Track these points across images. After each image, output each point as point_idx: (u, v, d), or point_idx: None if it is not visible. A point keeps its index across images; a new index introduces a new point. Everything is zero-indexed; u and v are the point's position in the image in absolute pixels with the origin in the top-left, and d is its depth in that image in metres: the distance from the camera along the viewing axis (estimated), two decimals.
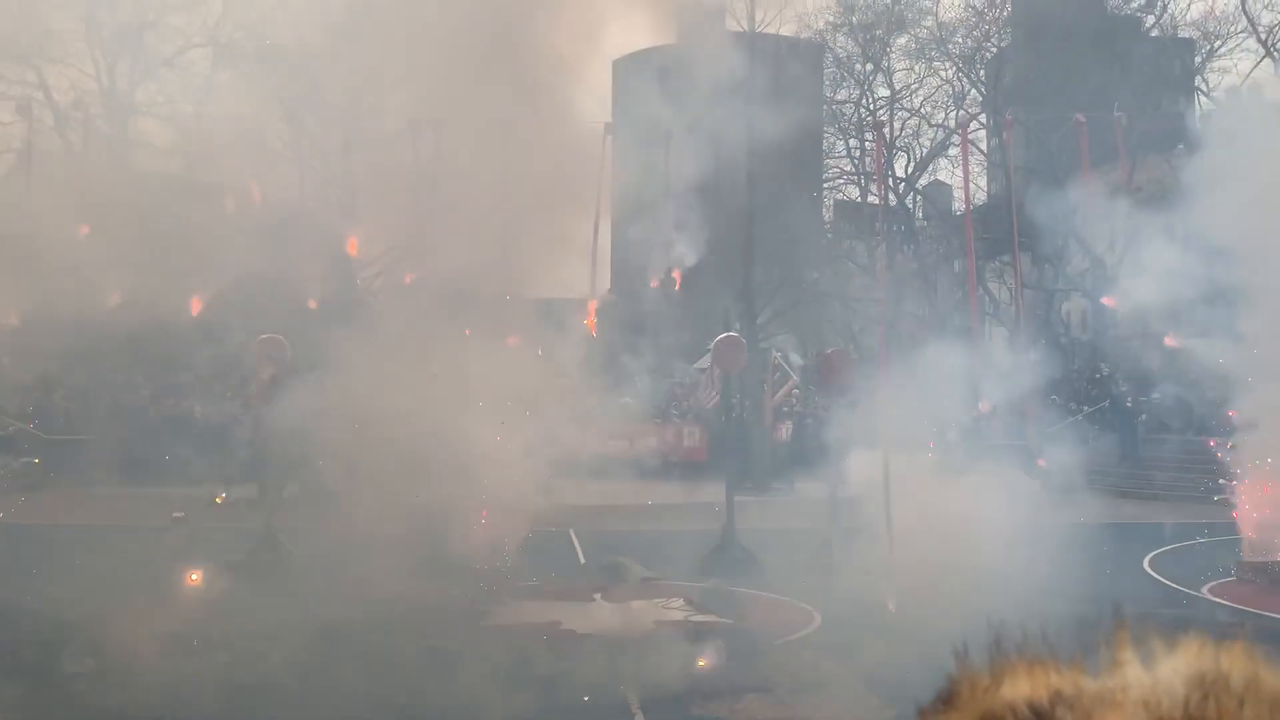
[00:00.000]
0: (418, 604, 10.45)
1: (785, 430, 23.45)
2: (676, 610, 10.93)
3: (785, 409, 23.42)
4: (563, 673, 8.64)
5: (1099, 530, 13.65)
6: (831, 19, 33.11)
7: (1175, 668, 0.56)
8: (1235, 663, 0.56)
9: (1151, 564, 12.98)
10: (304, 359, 12.60)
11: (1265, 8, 31.00)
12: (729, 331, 14.90)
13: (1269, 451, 12.21)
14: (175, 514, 13.85)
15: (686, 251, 19.75)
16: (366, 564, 10.85)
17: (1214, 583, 12.15)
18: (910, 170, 35.90)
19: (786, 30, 31.71)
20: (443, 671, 8.59)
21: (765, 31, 31.12)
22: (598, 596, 11.45)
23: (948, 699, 0.61)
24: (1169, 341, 14.41)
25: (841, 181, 36.86)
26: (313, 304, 16.12)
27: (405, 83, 13.23)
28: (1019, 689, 0.58)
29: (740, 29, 30.02)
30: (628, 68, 28.97)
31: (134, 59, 26.05)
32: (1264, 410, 12.16)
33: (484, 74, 11.99)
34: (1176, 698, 0.54)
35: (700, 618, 10.60)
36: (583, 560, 13.85)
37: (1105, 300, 18.82)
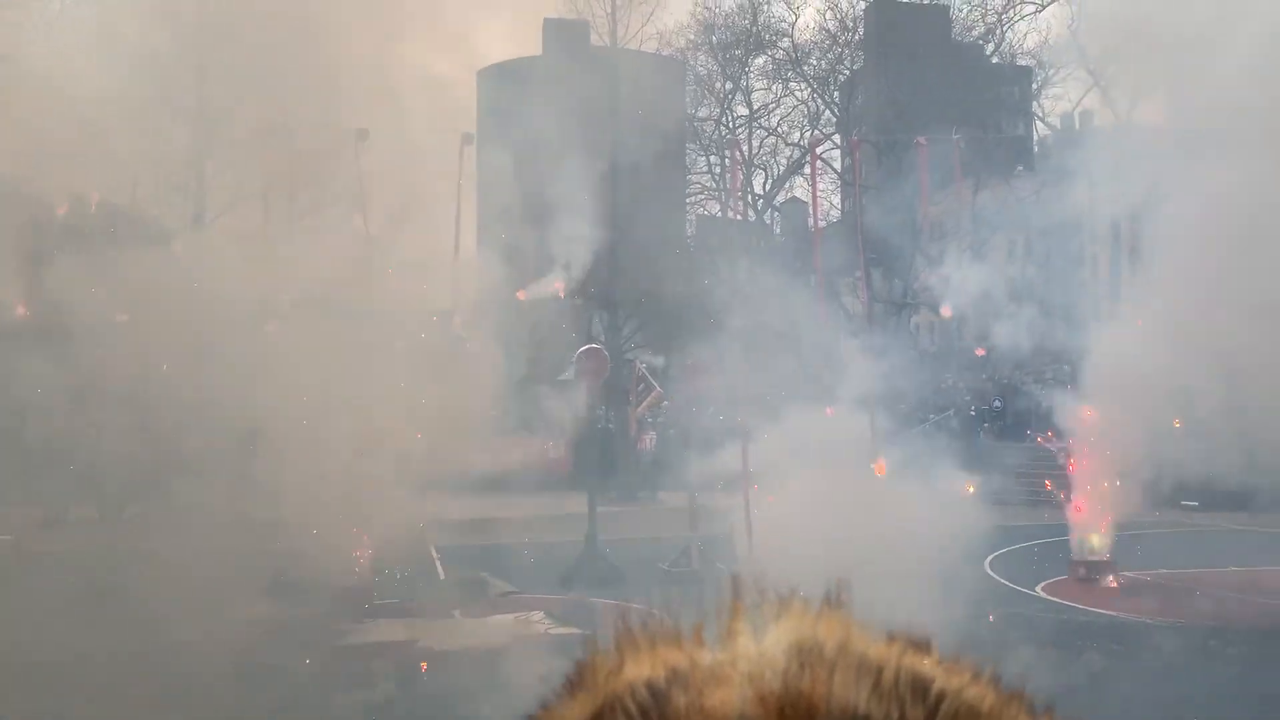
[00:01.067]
0: (260, 624, 10.12)
1: (649, 440, 23.68)
2: (537, 624, 10.89)
3: (650, 419, 23.65)
4: (415, 690, 8.51)
5: (945, 533, 14.24)
6: (692, 38, 33.78)
7: (779, 638, 0.59)
8: (830, 629, 0.60)
9: (991, 565, 13.62)
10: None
11: (1094, 38, 33.10)
12: (592, 343, 14.95)
13: (1090, 454, 12.99)
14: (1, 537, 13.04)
15: (556, 263, 19.73)
16: (212, 584, 10.41)
17: (1048, 581, 12.83)
18: (768, 188, 36.84)
19: (648, 47, 32.18)
20: (285, 693, 8.34)
21: (628, 48, 31.51)
22: (456, 613, 11.31)
23: (574, 684, 0.63)
24: (979, 352, 15.19)
25: (703, 197, 37.55)
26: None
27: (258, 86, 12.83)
28: (641, 669, 0.60)
29: (603, 44, 30.30)
30: (492, 79, 28.83)
31: None
32: (1081, 416, 12.96)
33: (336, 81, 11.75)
34: (777, 668, 0.57)
35: (560, 630, 10.59)
36: (442, 576, 13.64)
37: (943, 311, 19.73)
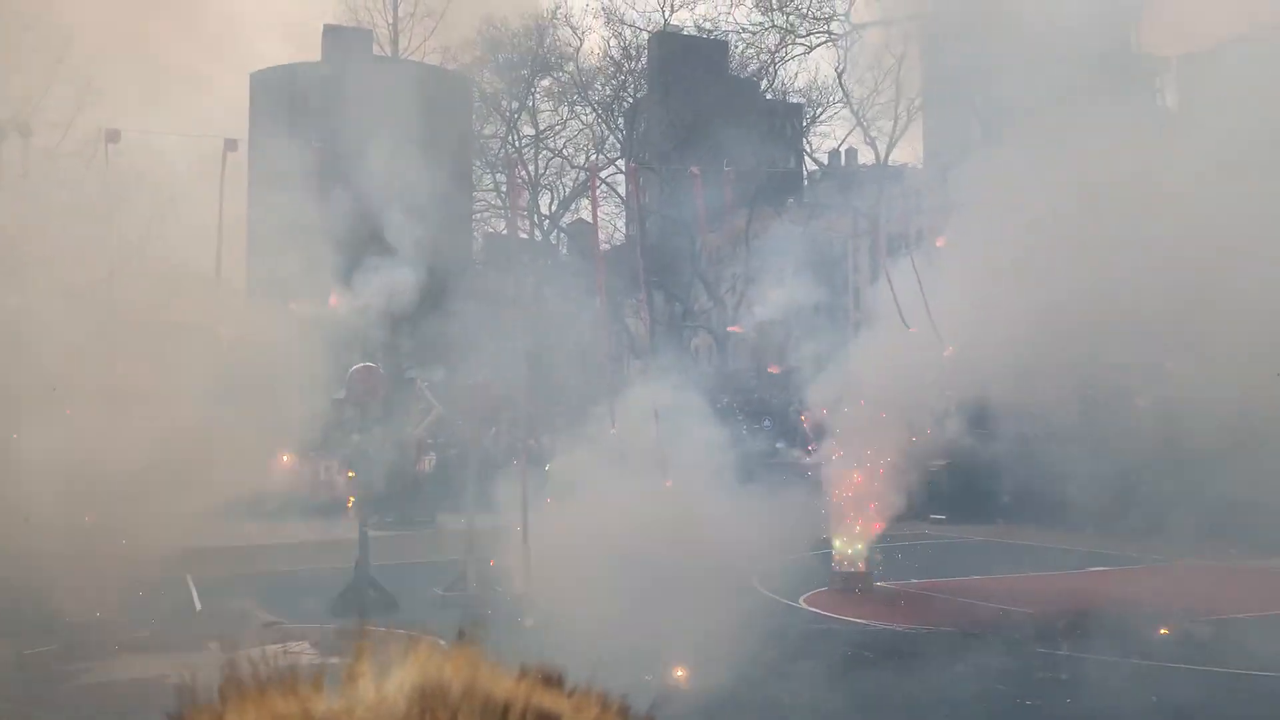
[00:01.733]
0: None
1: (429, 462, 23.17)
2: (302, 655, 10.40)
3: (429, 440, 23.16)
4: None
5: (718, 545, 14.66)
6: (478, 55, 33.59)
7: (402, 682, 0.58)
8: (457, 669, 0.60)
9: (759, 578, 14.16)
10: None
11: (857, 82, 35.35)
12: (366, 361, 14.47)
13: (844, 471, 13.77)
14: None
15: (335, 277, 19.02)
16: None
17: (810, 592, 13.45)
18: (554, 208, 37.09)
19: (432, 60, 31.74)
20: None
21: (411, 59, 31.00)
22: (213, 645, 10.64)
23: None
24: (772, 369, 15.93)
25: (489, 215, 37.35)
26: None
27: None
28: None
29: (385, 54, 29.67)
30: (266, 83, 27.66)
31: None
32: (835, 434, 13.76)
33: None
34: (397, 714, 0.56)
35: (326, 660, 10.16)
36: (199, 606, 12.83)
37: (731, 329, 20.46)
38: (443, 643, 0.63)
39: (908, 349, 12.40)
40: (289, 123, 20.04)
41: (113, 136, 10.81)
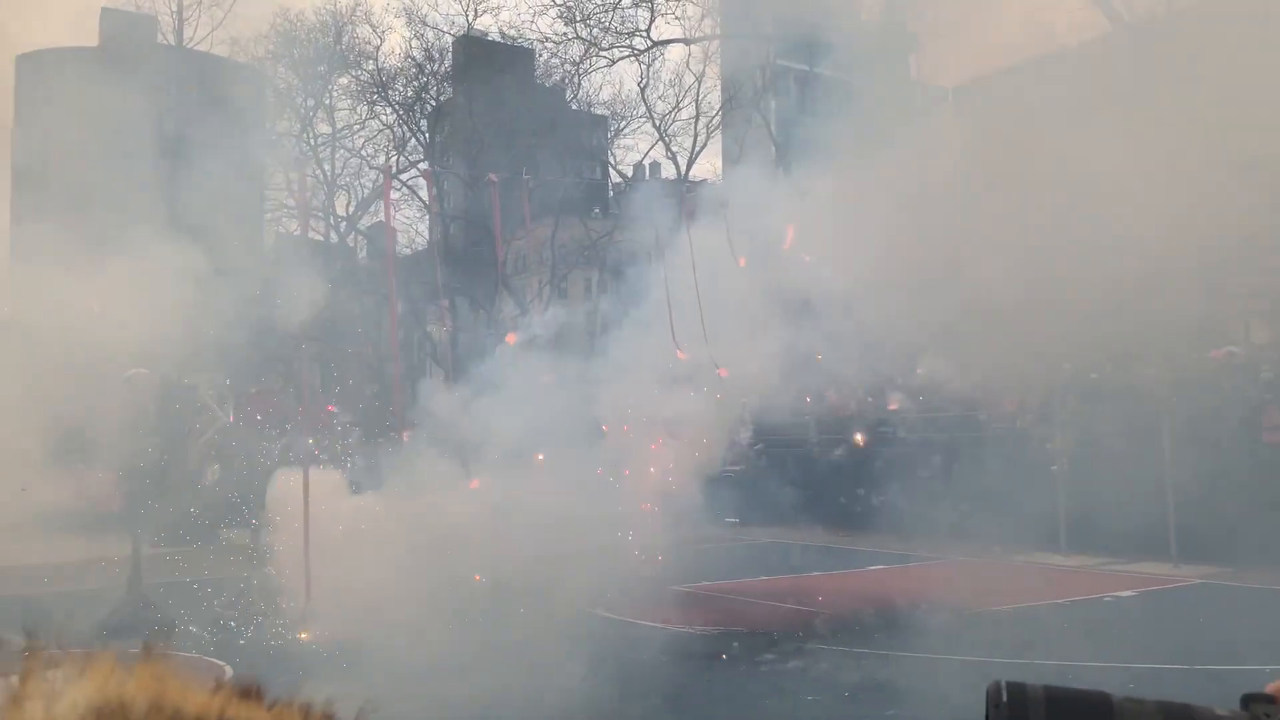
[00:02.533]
0: None
1: (212, 473, 21.97)
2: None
3: (212, 450, 21.96)
4: None
5: (518, 550, 14.57)
6: (271, 48, 32.24)
7: (77, 699, 0.56)
8: (141, 686, 0.57)
9: (556, 582, 14.15)
10: None
11: (659, 98, 36.16)
12: (140, 367, 13.56)
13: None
14: None
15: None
16: None
17: (604, 597, 13.57)
18: (351, 210, 35.99)
19: (220, 51, 30.25)
20: None
21: (196, 49, 29.47)
22: None
23: None
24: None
25: (281, 215, 35.84)
26: None
27: None
28: None
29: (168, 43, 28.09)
30: (36, 65, 25.65)
31: None
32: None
33: None
34: None
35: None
36: None
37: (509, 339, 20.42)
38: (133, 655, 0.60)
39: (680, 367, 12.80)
40: (60, 110, 18.70)
41: None
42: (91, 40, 27.81)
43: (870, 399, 19.50)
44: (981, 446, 17.34)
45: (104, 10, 28.76)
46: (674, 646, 10.95)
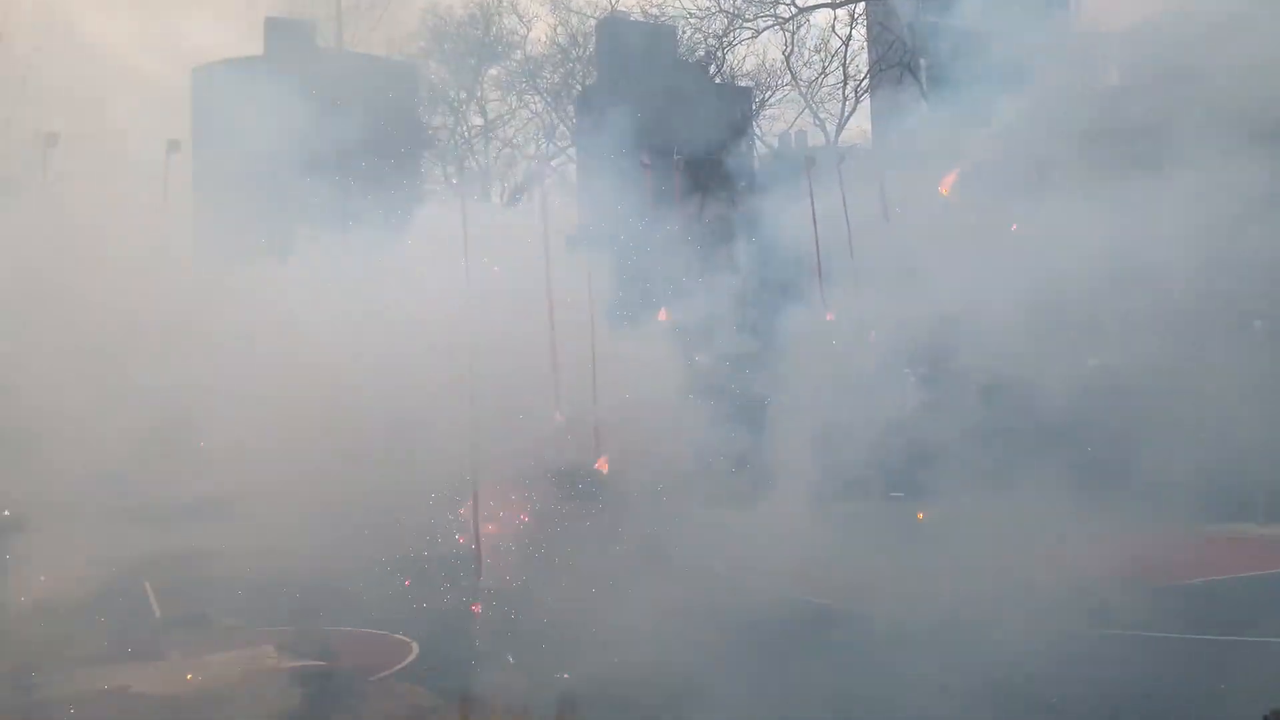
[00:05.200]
0: None
1: None
2: (266, 658, 10.31)
3: None
4: None
5: None
6: (423, 45, 33.19)
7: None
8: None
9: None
10: None
11: (805, 65, 35.51)
12: None
13: None
14: None
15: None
16: None
17: None
18: (505, 199, 36.77)
19: (378, 51, 31.36)
20: None
21: (355, 51, 30.62)
22: (175, 653, 10.51)
23: None
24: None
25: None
26: None
27: None
28: None
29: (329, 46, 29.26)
30: (210, 77, 27.19)
31: None
32: None
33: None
34: None
35: (293, 663, 10.09)
36: (158, 613, 12.65)
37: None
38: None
39: None
40: (233, 119, 19.74)
41: (51, 140, 10.59)
42: (258, 49, 29.33)
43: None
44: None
45: (268, 20, 30.22)
46: None
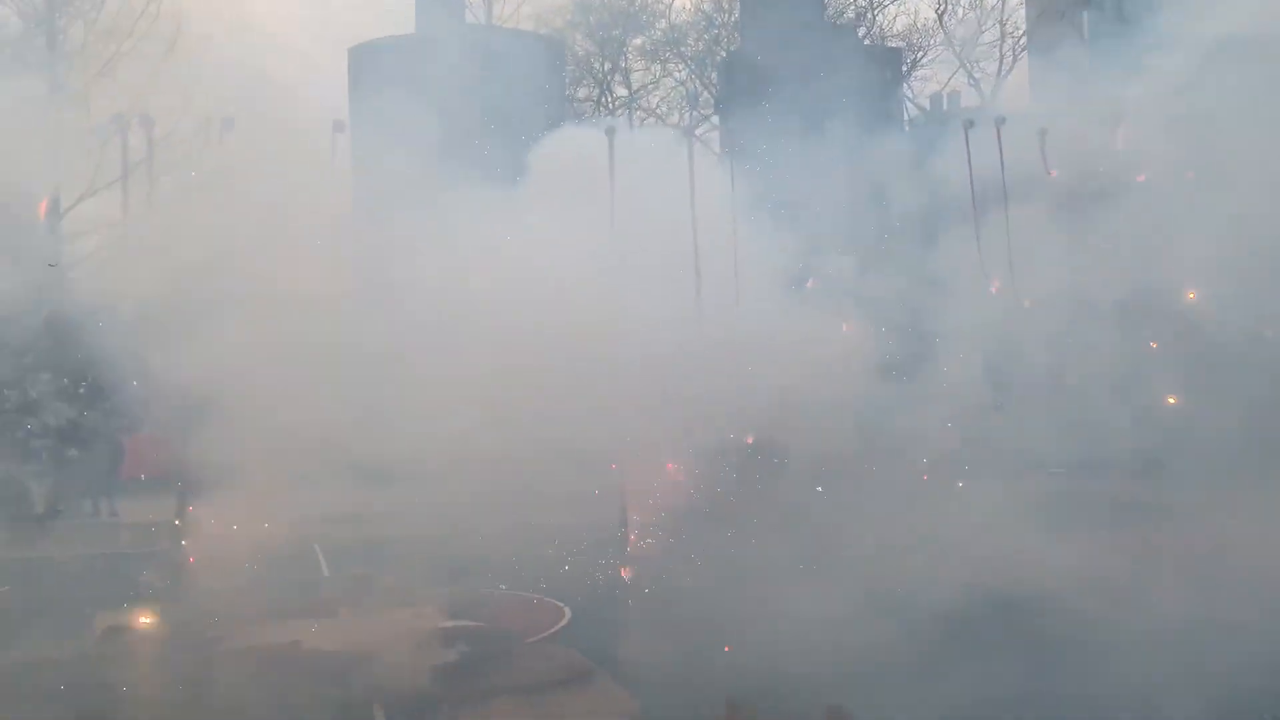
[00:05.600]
0: (136, 632, 9.81)
1: None
2: (428, 618, 10.72)
3: None
4: (304, 692, 8.31)
5: None
6: (569, 18, 33.47)
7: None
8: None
9: None
10: None
11: (959, 23, 34.19)
12: None
13: None
14: None
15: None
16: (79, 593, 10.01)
17: None
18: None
19: (525, 25, 31.80)
20: (171, 701, 8.08)
21: (503, 26, 31.11)
22: (342, 610, 11.05)
23: None
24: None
25: None
26: None
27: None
28: None
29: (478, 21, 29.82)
30: (363, 56, 28.10)
31: None
32: None
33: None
34: None
35: (451, 623, 10.46)
36: (326, 572, 13.32)
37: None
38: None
39: None
40: (389, 96, 20.30)
41: (227, 124, 11.15)
42: (409, 27, 30.17)
43: None
44: None
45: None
46: None
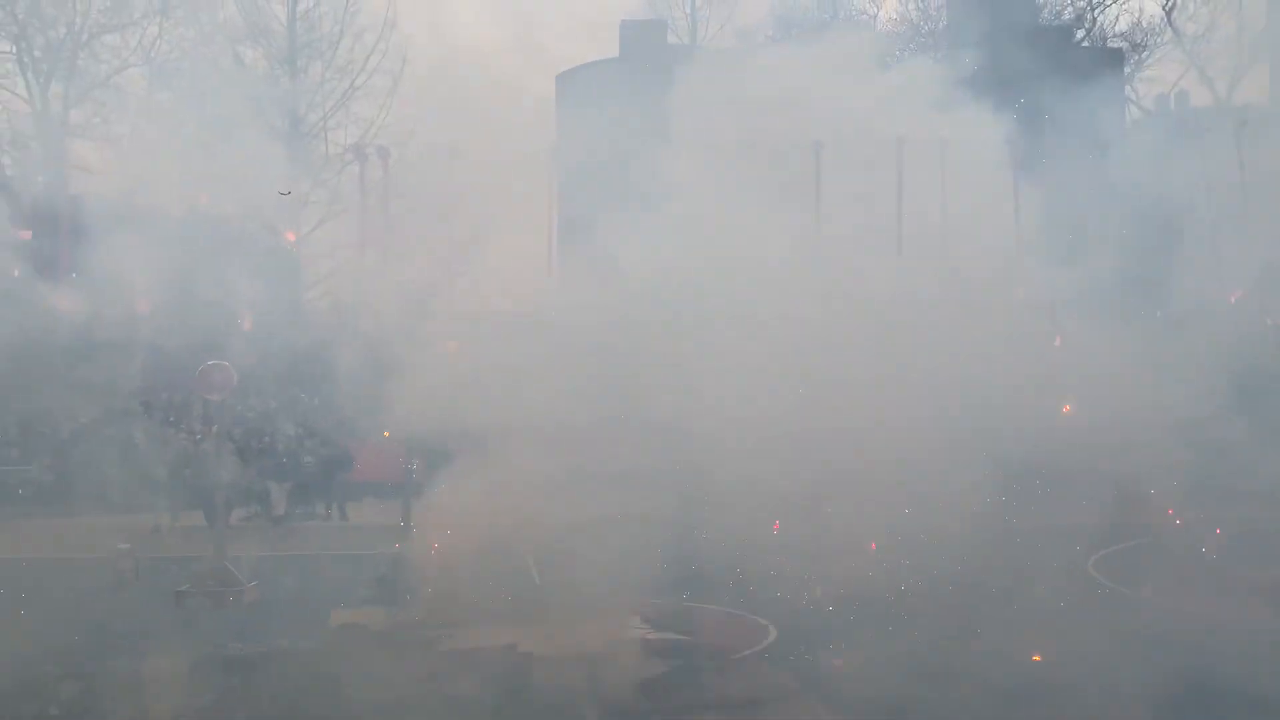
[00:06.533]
0: (366, 630, 10.43)
1: None
2: (635, 628, 10.90)
3: None
4: (522, 695, 8.62)
5: None
6: (770, 34, 33.40)
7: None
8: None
9: None
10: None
11: (1189, 19, 31.96)
12: None
13: None
14: (120, 545, 13.60)
15: None
16: (315, 590, 10.72)
17: None
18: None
19: (728, 44, 31.99)
20: (398, 698, 8.53)
21: (706, 47, 31.41)
22: (553, 617, 11.37)
23: None
24: None
25: None
26: (248, 324, 15.85)
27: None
28: None
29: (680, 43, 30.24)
30: (571, 81, 28.99)
31: (68, 80, 25.47)
32: None
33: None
34: None
35: (658, 635, 10.59)
36: (538, 580, 13.73)
37: None
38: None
39: None
40: (596, 122, 20.85)
41: (453, 151, 11.79)
42: (613, 51, 30.92)
43: None
44: None
45: (623, 23, 31.74)
46: None
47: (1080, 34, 33.61)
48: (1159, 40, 32.34)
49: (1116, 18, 45.43)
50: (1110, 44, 33.73)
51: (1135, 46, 32.97)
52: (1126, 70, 34.13)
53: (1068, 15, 33.23)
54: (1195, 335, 13.04)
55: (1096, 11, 32.57)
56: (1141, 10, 45.56)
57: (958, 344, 11.19)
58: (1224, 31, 31.56)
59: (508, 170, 13.73)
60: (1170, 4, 31.08)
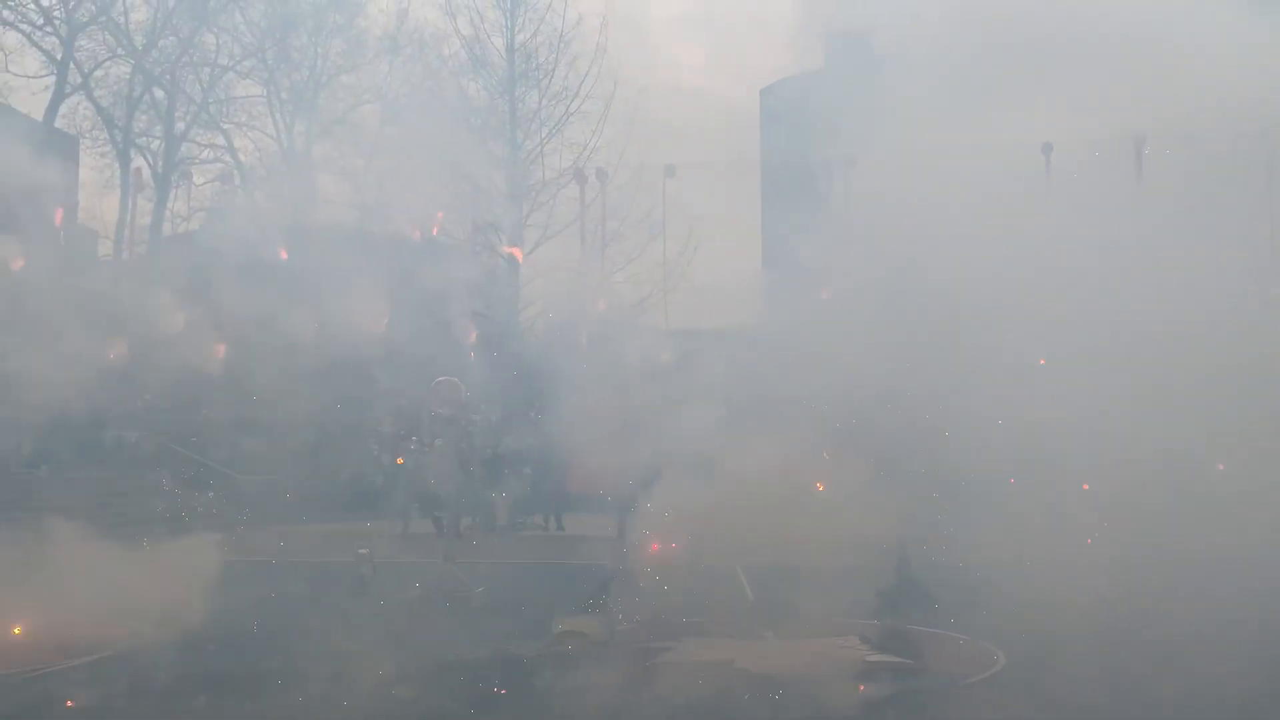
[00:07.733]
0: (586, 639, 10.68)
1: None
2: (853, 649, 10.69)
3: None
4: (739, 713, 8.60)
5: None
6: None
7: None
8: None
9: None
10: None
11: None
12: None
13: None
14: (360, 550, 14.52)
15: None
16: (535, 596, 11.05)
17: None
18: None
19: None
20: (612, 709, 8.69)
21: None
22: (769, 634, 11.31)
23: None
24: None
25: None
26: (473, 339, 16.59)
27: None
28: None
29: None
30: (775, 95, 28.93)
31: (309, 119, 27.65)
32: None
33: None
34: None
35: (878, 657, 10.34)
36: (750, 596, 13.69)
37: None
38: None
39: None
40: (799, 136, 20.71)
41: (669, 171, 12.03)
42: (817, 64, 30.56)
43: None
44: None
45: (829, 35, 31.33)
46: None
47: None
48: None
49: None
50: None
51: None
52: None
53: None
54: None
55: None
56: None
57: None
58: None
59: (715, 186, 13.88)
60: None
